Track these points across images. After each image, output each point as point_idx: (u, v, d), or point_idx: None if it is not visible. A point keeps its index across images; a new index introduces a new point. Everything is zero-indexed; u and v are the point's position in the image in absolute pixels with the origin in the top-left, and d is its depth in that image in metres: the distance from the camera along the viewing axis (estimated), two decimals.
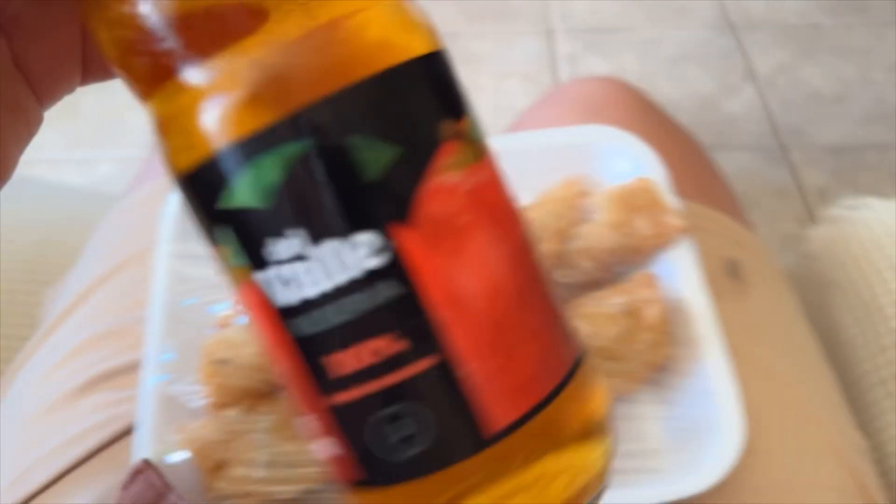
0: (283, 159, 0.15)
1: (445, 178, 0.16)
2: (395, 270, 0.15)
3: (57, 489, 0.37)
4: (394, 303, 0.15)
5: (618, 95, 0.47)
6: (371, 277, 0.15)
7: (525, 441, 0.16)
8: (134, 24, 0.15)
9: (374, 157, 0.15)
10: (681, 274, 0.36)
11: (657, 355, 0.35)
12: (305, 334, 0.16)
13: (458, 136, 0.16)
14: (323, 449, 0.17)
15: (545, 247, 0.38)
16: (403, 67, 0.16)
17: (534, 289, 0.17)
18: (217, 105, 0.15)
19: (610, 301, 0.35)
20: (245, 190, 0.15)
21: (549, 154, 0.43)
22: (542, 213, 0.40)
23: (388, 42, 0.16)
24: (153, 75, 0.16)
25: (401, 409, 0.16)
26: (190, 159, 0.16)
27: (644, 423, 0.35)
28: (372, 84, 0.15)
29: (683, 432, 0.34)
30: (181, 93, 0.16)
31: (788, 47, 1.24)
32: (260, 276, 0.16)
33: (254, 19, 0.15)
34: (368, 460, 0.16)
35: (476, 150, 0.17)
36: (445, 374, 0.16)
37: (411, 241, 0.15)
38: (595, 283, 0.38)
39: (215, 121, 0.15)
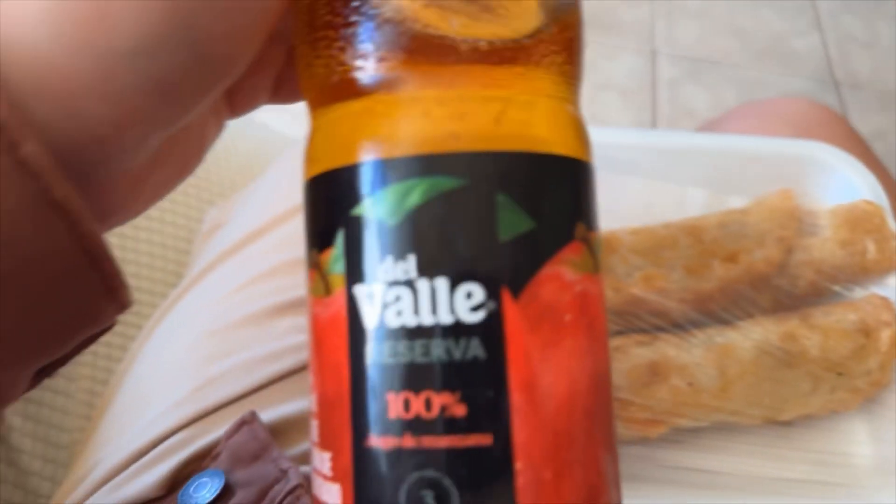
0: (433, 188, 0.15)
1: (565, 271, 0.16)
2: (489, 333, 0.15)
3: (244, 403, 0.36)
4: (472, 363, 0.15)
5: (826, 118, 0.47)
6: (464, 330, 0.15)
7: None
8: (344, 46, 0.16)
9: (513, 221, 0.16)
10: None
11: (885, 377, 0.34)
12: (378, 363, 0.15)
13: (586, 241, 0.17)
14: (329, 494, 0.16)
15: (766, 252, 0.38)
16: (564, 160, 0.17)
17: (602, 419, 0.16)
18: (397, 121, 0.16)
19: (844, 317, 0.35)
20: (385, 204, 0.15)
21: (763, 161, 0.43)
22: (760, 219, 0.40)
23: (559, 134, 0.17)
24: (343, 91, 0.17)
25: (433, 477, 0.15)
26: (339, 159, 0.16)
27: (855, 444, 0.35)
28: (533, 160, 0.16)
29: (892, 456, 0.34)
30: (357, 103, 0.17)
31: (889, 113, 1.24)
32: (360, 290, 0.16)
33: (462, 57, 0.16)
34: None
35: (596, 264, 0.17)
36: (493, 461, 0.15)
37: (514, 313, 0.15)
38: (811, 298, 0.38)
39: (385, 133, 0.16)
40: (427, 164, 0.15)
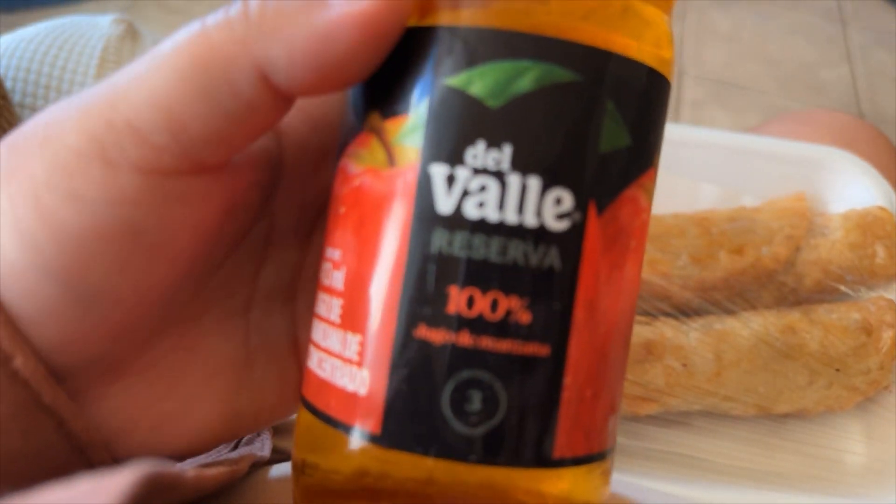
0: (546, 77, 0.14)
1: (640, 197, 0.15)
2: (568, 245, 0.14)
3: None
4: (547, 272, 0.14)
5: (871, 135, 0.47)
6: (546, 237, 0.14)
7: (551, 482, 0.15)
8: None
9: (614, 132, 0.15)
10: None
11: (884, 378, 0.34)
12: (446, 252, 0.14)
13: (656, 168, 0.16)
14: (351, 379, 0.15)
15: (773, 248, 0.38)
16: (665, 83, 0.16)
17: (628, 349, 0.16)
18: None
19: (847, 315, 0.35)
20: (490, 82, 0.14)
21: (779, 163, 0.43)
22: (770, 217, 0.40)
23: (666, 54, 0.16)
24: None
25: (483, 379, 0.14)
26: (447, 17, 0.15)
27: (849, 441, 0.35)
28: (645, 73, 0.15)
29: (888, 458, 0.34)
30: None
31: None
32: (438, 170, 0.14)
33: None
34: (400, 414, 0.14)
35: (653, 193, 0.17)
36: (547, 372, 0.14)
37: (595, 229, 0.15)
38: (816, 296, 0.38)
39: (507, 3, 0.14)
40: (545, 48, 0.14)
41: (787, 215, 0.40)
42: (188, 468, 0.16)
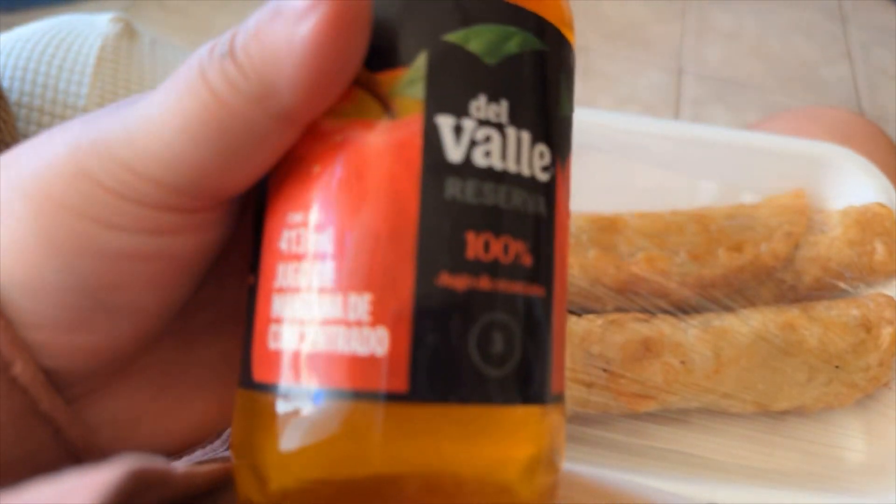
0: (526, 43, 0.15)
1: (569, 165, 0.17)
2: (549, 194, 0.16)
3: None
4: (541, 218, 0.15)
5: (869, 131, 0.47)
6: (536, 186, 0.15)
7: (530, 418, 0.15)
8: None
9: (566, 100, 0.17)
10: None
11: (883, 375, 0.34)
12: (461, 199, 0.14)
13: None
14: (363, 342, 0.14)
15: (772, 245, 0.38)
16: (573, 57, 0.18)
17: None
18: None
19: (846, 311, 0.35)
20: (485, 41, 0.15)
21: (778, 160, 0.43)
22: (769, 214, 0.40)
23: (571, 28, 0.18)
24: None
25: (504, 321, 0.14)
26: None
27: (848, 438, 0.35)
28: (571, 51, 0.17)
29: (887, 455, 0.34)
30: None
31: None
32: (445, 121, 0.14)
33: None
34: (429, 366, 0.14)
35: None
36: (548, 311, 0.15)
37: (562, 182, 0.16)
38: (815, 293, 0.38)
39: None
40: (523, 18, 0.15)
41: (787, 212, 0.40)
42: (179, 465, 0.16)
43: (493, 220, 0.15)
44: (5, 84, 0.44)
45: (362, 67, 0.15)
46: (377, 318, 0.14)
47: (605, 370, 0.32)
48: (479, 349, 0.14)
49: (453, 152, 0.14)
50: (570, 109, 0.17)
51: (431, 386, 0.14)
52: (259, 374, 0.15)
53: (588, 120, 0.42)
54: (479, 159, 0.15)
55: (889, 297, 0.35)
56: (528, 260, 0.15)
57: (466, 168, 0.14)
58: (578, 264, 0.35)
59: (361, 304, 0.14)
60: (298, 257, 0.15)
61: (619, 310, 0.35)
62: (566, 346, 0.17)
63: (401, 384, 0.14)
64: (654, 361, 0.33)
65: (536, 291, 0.15)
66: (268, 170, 0.15)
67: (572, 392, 0.32)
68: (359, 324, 0.14)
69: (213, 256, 0.17)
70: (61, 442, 0.16)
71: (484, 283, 0.14)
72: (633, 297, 0.36)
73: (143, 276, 0.15)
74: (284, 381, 0.14)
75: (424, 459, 0.14)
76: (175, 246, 0.15)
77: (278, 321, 0.15)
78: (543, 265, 0.15)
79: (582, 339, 0.33)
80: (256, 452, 0.15)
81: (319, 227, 0.15)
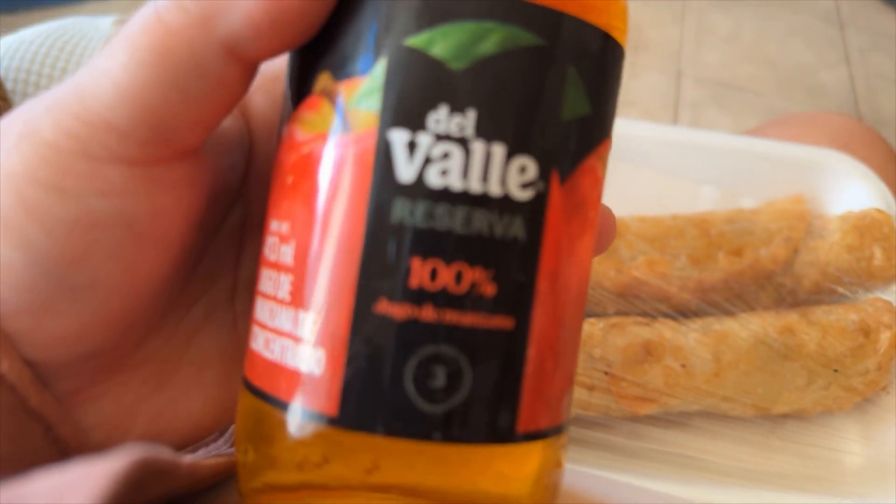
0: (510, 39, 0.14)
1: (598, 167, 0.15)
2: (532, 215, 0.14)
3: None
4: (512, 243, 0.14)
5: (868, 137, 0.47)
6: (510, 206, 0.14)
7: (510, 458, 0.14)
8: None
9: (575, 100, 0.14)
10: None
11: (882, 378, 0.34)
12: (408, 223, 0.13)
13: (611, 139, 0.16)
14: (304, 360, 0.14)
15: (772, 250, 0.38)
16: (622, 52, 0.15)
17: (581, 321, 0.16)
18: None
19: (845, 316, 0.35)
20: (452, 43, 0.13)
21: (778, 166, 0.43)
22: (769, 219, 0.40)
23: (624, 24, 0.16)
24: None
25: (448, 355, 0.13)
26: None
27: (846, 441, 0.35)
28: (605, 41, 0.15)
29: (886, 458, 0.34)
30: None
31: None
32: (398, 136, 0.13)
33: None
34: (360, 394, 0.13)
35: (607, 165, 0.16)
36: (512, 345, 0.14)
37: (558, 199, 0.14)
38: (814, 298, 0.38)
39: None
40: (508, 9, 0.14)
41: (786, 217, 0.40)
42: (184, 457, 0.16)
43: (443, 247, 0.13)
44: (9, 86, 0.44)
45: (328, 76, 0.14)
46: (318, 338, 0.14)
47: (606, 373, 0.32)
48: (416, 382, 0.13)
49: (404, 171, 0.13)
50: (587, 108, 0.15)
51: (359, 414, 0.13)
52: (246, 372, 0.15)
53: None
54: (433, 179, 0.13)
55: (887, 302, 0.36)
56: (489, 290, 0.14)
57: (418, 188, 0.13)
58: None
59: (307, 323, 0.14)
60: (273, 265, 0.15)
61: (620, 313, 0.36)
62: (567, 378, 0.15)
63: (331, 408, 0.14)
64: (655, 365, 0.33)
65: (500, 323, 0.14)
66: (218, 115, 0.15)
67: (573, 395, 0.33)
68: (305, 341, 0.14)
69: (175, 231, 0.16)
70: (53, 440, 0.16)
71: (427, 313, 0.13)
72: (633, 301, 0.36)
73: (100, 246, 0.15)
74: (257, 382, 0.15)
75: (364, 483, 0.14)
76: (128, 209, 0.15)
77: (257, 323, 0.15)
78: (512, 295, 0.14)
79: (583, 342, 0.33)
80: (247, 447, 0.15)
81: (285, 239, 0.15)
